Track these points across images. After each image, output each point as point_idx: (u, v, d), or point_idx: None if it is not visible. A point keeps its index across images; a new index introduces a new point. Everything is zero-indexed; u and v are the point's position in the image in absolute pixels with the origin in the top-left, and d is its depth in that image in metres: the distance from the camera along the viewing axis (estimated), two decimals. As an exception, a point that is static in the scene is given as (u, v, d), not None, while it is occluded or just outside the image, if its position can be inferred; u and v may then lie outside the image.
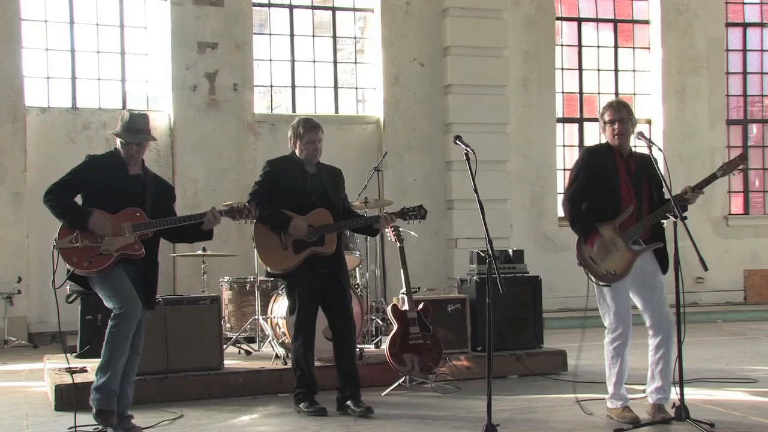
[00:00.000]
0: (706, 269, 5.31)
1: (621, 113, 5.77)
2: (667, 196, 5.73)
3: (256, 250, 6.47)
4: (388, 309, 7.34)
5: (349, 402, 6.27)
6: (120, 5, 11.70)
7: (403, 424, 5.94)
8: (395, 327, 7.18)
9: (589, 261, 5.79)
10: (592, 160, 5.88)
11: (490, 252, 5.07)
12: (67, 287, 6.55)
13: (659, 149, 5.64)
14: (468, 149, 5.40)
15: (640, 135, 5.77)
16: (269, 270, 6.39)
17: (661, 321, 5.84)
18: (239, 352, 8.07)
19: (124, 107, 11.58)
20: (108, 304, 5.49)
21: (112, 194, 5.50)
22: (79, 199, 5.63)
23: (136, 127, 5.66)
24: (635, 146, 6.10)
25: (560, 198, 13.45)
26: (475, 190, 5.25)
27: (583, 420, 6.00)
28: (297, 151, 6.40)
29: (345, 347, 6.43)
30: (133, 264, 5.53)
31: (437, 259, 12.50)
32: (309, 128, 6.35)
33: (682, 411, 5.46)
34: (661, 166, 5.69)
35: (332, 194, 6.43)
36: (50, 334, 10.93)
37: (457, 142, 5.53)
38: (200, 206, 11.10)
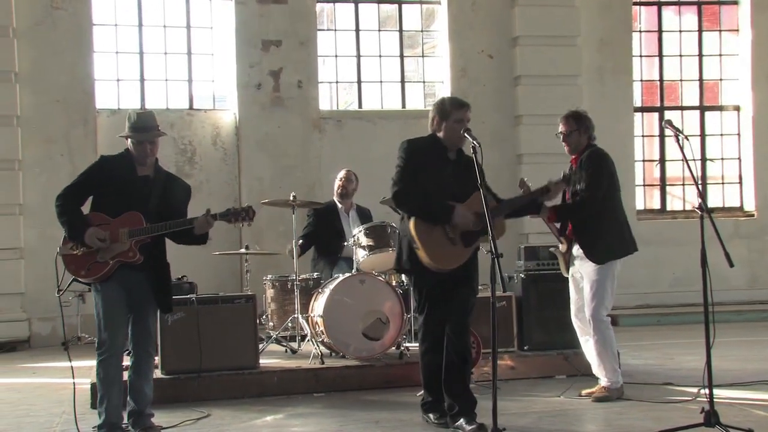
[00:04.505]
0: (731, 266, 5.01)
1: (565, 124, 6.58)
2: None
3: (418, 249, 5.47)
4: (425, 307, 7.15)
5: (461, 420, 5.49)
6: (186, 6, 11.87)
7: (421, 428, 5.76)
8: (431, 325, 6.99)
9: None
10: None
11: (494, 250, 4.85)
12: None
13: (686, 138, 5.33)
14: (475, 142, 5.21)
15: (668, 124, 5.49)
16: (439, 268, 5.46)
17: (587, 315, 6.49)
18: (285, 351, 8.03)
19: (190, 107, 11.78)
20: (96, 326, 5.51)
21: (116, 195, 5.46)
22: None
23: (146, 125, 5.60)
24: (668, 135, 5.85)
25: (638, 190, 13.04)
26: (480, 185, 5.04)
27: (612, 425, 5.72)
28: (441, 134, 5.61)
29: (455, 359, 5.63)
30: (140, 270, 5.48)
31: (509, 254, 12.16)
32: (458, 105, 5.61)
33: (711, 416, 5.12)
34: (689, 153, 5.35)
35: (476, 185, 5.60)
36: (122, 331, 11.15)
37: (466, 135, 5.31)
38: (266, 203, 11.22)
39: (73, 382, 5.70)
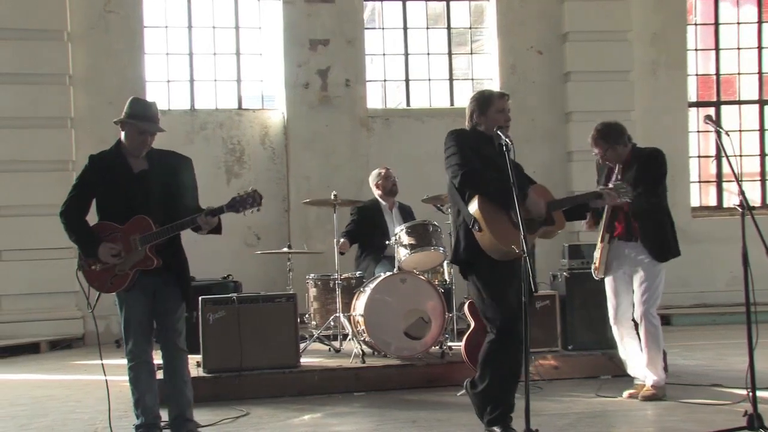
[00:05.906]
0: (773, 264, 4.86)
1: (596, 146, 6.44)
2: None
3: (481, 231, 5.18)
4: (465, 306, 7.09)
5: (495, 427, 5.26)
6: (235, 7, 11.96)
7: (457, 427, 5.70)
8: (472, 325, 6.94)
9: None
10: None
11: (524, 248, 4.75)
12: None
13: (726, 134, 5.19)
14: (506, 140, 5.10)
15: (708, 119, 5.36)
16: (503, 251, 5.10)
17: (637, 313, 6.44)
18: (329, 350, 8.04)
19: (239, 107, 11.87)
20: (122, 333, 5.46)
21: (116, 198, 5.25)
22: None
23: (151, 114, 5.24)
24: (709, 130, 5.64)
25: (693, 187, 12.75)
26: (513, 184, 4.92)
27: (652, 427, 5.60)
28: (482, 127, 5.42)
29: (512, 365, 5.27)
30: (160, 273, 5.29)
31: (553, 252, 12.01)
32: (498, 95, 5.47)
33: (755, 420, 4.98)
34: (728, 149, 5.22)
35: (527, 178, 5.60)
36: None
37: (498, 132, 5.21)
38: (314, 202, 11.25)
39: (106, 380, 5.68)
